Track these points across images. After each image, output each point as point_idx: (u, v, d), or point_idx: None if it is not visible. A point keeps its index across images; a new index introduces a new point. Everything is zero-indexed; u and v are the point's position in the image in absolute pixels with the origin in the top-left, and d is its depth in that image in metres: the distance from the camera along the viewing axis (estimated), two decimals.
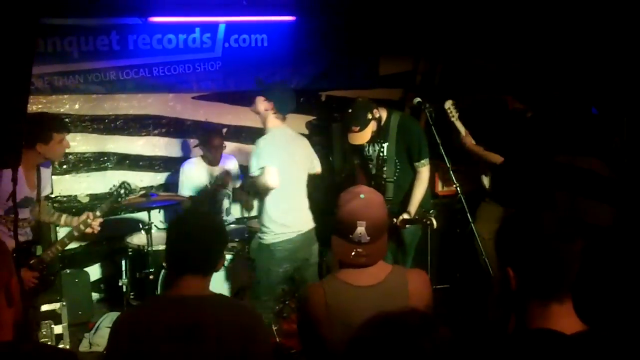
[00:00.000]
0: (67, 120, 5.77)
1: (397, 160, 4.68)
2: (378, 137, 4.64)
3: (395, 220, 4.45)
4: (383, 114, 4.63)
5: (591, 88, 5.46)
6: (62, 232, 4.56)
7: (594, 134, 5.41)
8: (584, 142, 5.38)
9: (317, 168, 4.72)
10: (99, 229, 4.17)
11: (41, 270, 4.00)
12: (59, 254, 4.24)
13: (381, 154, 4.70)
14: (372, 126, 4.52)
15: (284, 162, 4.30)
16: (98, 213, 4.14)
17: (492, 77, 6.25)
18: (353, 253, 2.44)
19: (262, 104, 4.44)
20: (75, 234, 4.11)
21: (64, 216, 4.28)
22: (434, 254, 4.50)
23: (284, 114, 4.45)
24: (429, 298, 2.53)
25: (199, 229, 2.37)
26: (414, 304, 2.34)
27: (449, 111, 4.93)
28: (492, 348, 1.71)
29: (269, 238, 4.38)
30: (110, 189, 4.30)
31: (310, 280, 4.52)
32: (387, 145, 4.66)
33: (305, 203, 4.55)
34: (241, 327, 2.24)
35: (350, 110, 4.52)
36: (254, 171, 4.31)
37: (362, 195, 2.49)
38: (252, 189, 4.70)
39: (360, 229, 2.41)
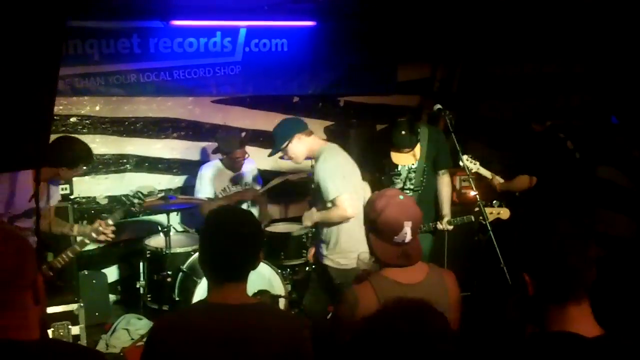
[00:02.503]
0: (87, 122, 5.85)
1: (425, 171, 4.83)
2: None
3: (439, 223, 4.72)
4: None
5: (612, 97, 5.42)
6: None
7: (613, 144, 5.37)
8: (604, 152, 5.35)
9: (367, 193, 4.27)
10: (112, 236, 4.20)
11: (50, 277, 4.01)
12: (71, 261, 4.21)
13: (411, 166, 4.84)
14: (418, 146, 4.67)
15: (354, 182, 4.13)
16: (110, 221, 4.16)
17: (510, 84, 6.22)
18: (400, 253, 2.49)
19: (294, 143, 4.13)
20: (87, 241, 4.14)
21: (76, 226, 4.32)
22: (451, 262, 4.51)
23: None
24: (460, 297, 2.64)
25: (241, 229, 2.21)
26: (452, 301, 2.53)
27: (467, 166, 4.74)
28: (512, 351, 1.73)
29: (350, 263, 4.02)
30: (124, 197, 4.31)
31: None
32: (419, 157, 4.81)
33: None
34: (289, 337, 2.18)
35: (403, 132, 4.58)
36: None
37: (401, 197, 2.57)
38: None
39: (407, 229, 2.48)
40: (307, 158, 4.27)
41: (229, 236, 2.19)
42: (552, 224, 1.81)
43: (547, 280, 1.74)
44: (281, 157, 4.38)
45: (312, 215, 4.21)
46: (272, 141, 4.23)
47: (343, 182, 3.98)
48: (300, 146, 4.15)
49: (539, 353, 1.67)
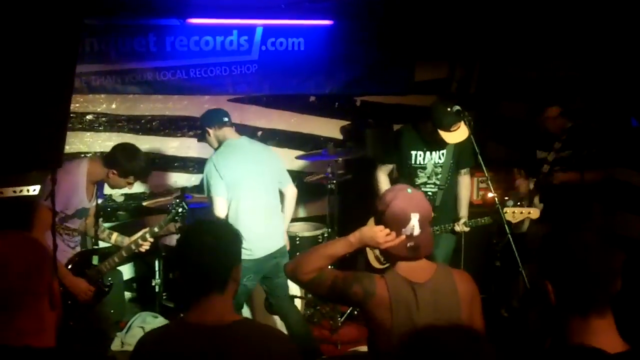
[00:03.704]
0: (103, 119, 5.85)
1: (451, 167, 4.79)
2: (436, 144, 4.68)
3: (456, 225, 4.65)
4: None
5: (631, 99, 5.35)
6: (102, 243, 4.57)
7: (633, 146, 5.30)
8: (623, 154, 5.28)
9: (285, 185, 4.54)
10: (147, 248, 4.21)
11: (98, 281, 4.06)
12: (117, 265, 4.27)
13: (439, 161, 4.77)
14: (463, 124, 4.46)
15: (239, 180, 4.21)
16: (156, 229, 4.14)
17: (530, 85, 6.16)
18: (408, 246, 2.53)
19: (206, 134, 4.42)
20: (134, 248, 4.14)
21: (114, 235, 4.31)
22: (468, 265, 4.46)
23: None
24: (478, 296, 2.63)
25: (212, 240, 2.15)
26: (463, 300, 2.53)
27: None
28: None
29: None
30: (169, 207, 4.29)
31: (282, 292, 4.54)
32: (446, 152, 4.75)
33: (271, 227, 4.37)
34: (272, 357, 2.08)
35: (448, 109, 4.38)
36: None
37: (409, 190, 2.61)
38: None
39: (414, 222, 2.51)
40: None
41: (201, 248, 2.14)
42: (577, 231, 1.79)
43: (569, 289, 1.71)
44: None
45: None
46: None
47: (218, 183, 4.14)
48: (211, 139, 4.40)
49: None
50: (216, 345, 2.04)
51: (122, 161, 3.97)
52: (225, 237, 2.20)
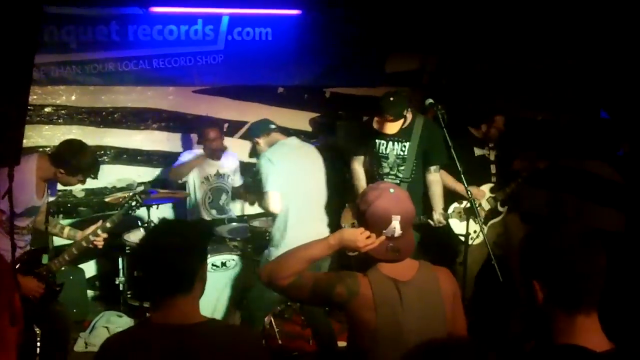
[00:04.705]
0: (63, 112, 5.65)
1: (415, 162, 4.69)
2: (400, 135, 4.64)
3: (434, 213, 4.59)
4: (409, 114, 4.66)
5: (602, 91, 5.36)
6: (58, 240, 4.39)
7: (603, 138, 5.32)
8: (593, 146, 5.30)
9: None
10: (102, 244, 4.04)
11: (48, 279, 3.90)
12: (67, 263, 4.08)
13: (401, 153, 4.69)
14: (401, 122, 4.56)
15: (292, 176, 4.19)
16: (108, 225, 4.00)
17: (499, 78, 6.14)
18: (387, 248, 2.46)
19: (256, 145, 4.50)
20: (84, 244, 3.98)
21: (66, 229, 4.17)
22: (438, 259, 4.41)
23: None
24: (459, 293, 2.59)
25: (175, 240, 2.08)
26: (446, 297, 2.48)
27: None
28: None
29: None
30: (122, 199, 4.16)
31: None
32: (409, 145, 4.66)
33: (318, 223, 4.36)
34: (243, 354, 2.06)
35: (391, 99, 4.50)
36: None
37: (391, 190, 2.51)
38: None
39: (395, 223, 2.44)
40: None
41: (167, 249, 2.07)
42: (564, 229, 1.75)
43: (557, 288, 1.68)
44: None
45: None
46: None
47: (275, 178, 4.12)
48: (262, 148, 4.43)
49: None
50: (182, 346, 1.99)
51: (68, 159, 3.80)
52: (192, 237, 2.13)
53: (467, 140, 5.11)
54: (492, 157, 5.18)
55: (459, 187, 4.81)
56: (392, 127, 4.55)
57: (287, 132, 6.33)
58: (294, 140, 4.47)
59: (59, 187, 5.57)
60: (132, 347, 2.02)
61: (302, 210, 4.19)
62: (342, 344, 4.32)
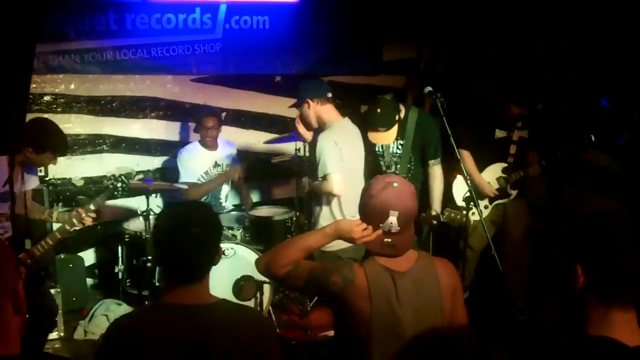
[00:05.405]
0: (62, 100, 5.65)
1: (411, 158, 4.61)
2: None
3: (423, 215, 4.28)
4: (402, 111, 4.53)
5: (602, 79, 5.35)
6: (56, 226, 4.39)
7: (603, 127, 5.31)
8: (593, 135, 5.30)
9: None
10: (92, 223, 4.04)
11: (29, 265, 3.83)
12: (50, 248, 4.03)
13: (397, 151, 4.61)
14: (395, 128, 4.38)
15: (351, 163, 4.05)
16: (92, 207, 3.99)
17: (498, 65, 6.13)
18: (382, 243, 2.45)
19: (306, 106, 4.11)
20: (68, 228, 3.96)
21: (55, 212, 4.15)
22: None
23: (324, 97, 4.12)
24: (459, 284, 2.59)
25: (193, 229, 2.07)
26: (445, 289, 2.47)
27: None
28: (547, 354, 1.65)
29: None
30: (106, 182, 4.15)
31: None
32: (404, 143, 4.57)
33: None
34: (251, 338, 2.06)
35: (378, 110, 4.31)
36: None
37: (395, 184, 2.48)
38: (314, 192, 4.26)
39: (392, 219, 2.42)
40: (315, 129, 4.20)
41: (181, 238, 2.06)
42: (615, 218, 1.73)
43: (600, 275, 1.66)
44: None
45: (305, 184, 4.39)
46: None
47: (338, 161, 3.91)
48: (310, 113, 4.11)
49: (575, 358, 1.58)
50: (194, 323, 2.01)
51: (34, 136, 3.73)
52: (211, 225, 2.16)
53: (489, 121, 5.06)
54: (515, 138, 5.03)
55: (476, 178, 4.84)
56: (387, 137, 4.40)
57: (286, 121, 6.42)
58: (349, 123, 4.21)
59: (58, 175, 5.67)
60: (143, 325, 2.04)
61: (354, 193, 4.07)
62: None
